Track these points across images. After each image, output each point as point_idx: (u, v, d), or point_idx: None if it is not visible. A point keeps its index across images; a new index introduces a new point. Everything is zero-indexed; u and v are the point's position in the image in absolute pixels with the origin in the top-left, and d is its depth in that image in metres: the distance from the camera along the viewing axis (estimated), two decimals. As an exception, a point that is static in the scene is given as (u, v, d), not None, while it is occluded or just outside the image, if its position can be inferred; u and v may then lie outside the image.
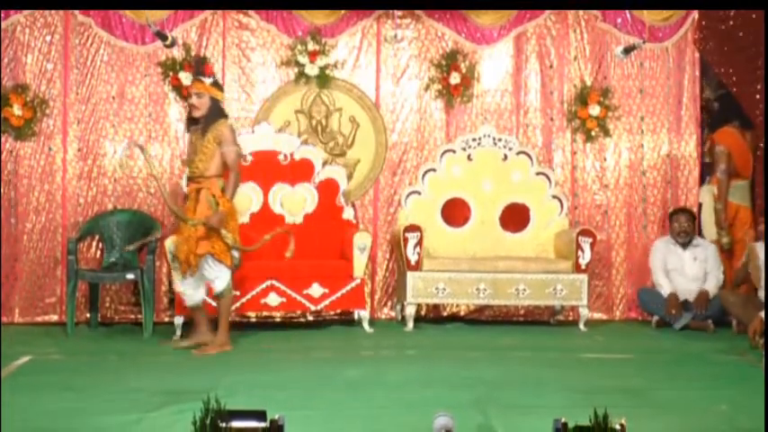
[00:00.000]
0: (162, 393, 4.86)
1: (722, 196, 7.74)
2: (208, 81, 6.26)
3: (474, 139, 7.82)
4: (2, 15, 7.39)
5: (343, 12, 7.79)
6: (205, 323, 6.45)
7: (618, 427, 3.21)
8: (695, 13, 7.99)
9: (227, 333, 6.34)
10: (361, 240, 7.10)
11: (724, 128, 7.88)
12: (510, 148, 7.83)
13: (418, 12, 7.85)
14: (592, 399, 4.50)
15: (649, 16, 7.91)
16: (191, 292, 6.35)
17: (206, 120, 6.24)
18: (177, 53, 7.61)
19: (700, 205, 7.99)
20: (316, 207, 7.57)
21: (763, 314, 6.33)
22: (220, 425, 3.19)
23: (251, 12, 7.76)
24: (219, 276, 6.23)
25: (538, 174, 7.82)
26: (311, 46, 7.72)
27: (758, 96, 7.67)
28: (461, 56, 7.90)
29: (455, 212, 7.86)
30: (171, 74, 7.61)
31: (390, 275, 7.94)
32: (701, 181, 8.08)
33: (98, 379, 5.27)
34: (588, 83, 8.00)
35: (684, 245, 7.63)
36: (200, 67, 6.53)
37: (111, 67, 7.65)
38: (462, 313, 7.94)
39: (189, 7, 7.58)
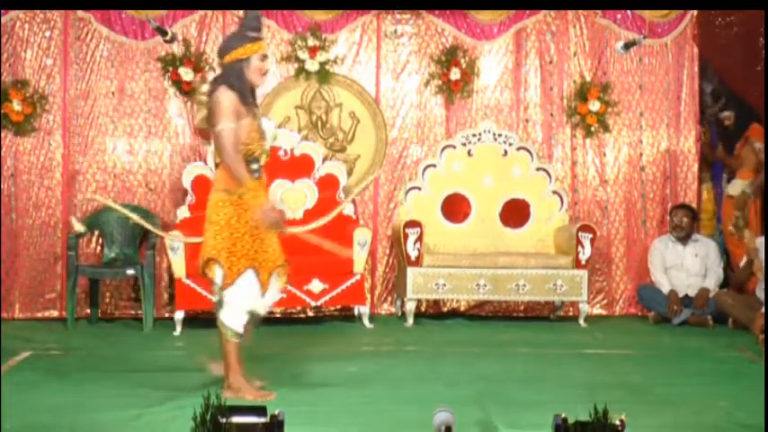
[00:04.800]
0: (162, 389, 4.87)
1: (758, 190, 7.74)
2: None
3: (474, 135, 7.82)
4: (1, 11, 7.38)
5: (342, 7, 7.80)
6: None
7: (618, 422, 3.22)
8: (694, 10, 7.99)
9: None
10: (362, 236, 7.10)
11: (754, 125, 7.87)
12: (510, 144, 7.83)
13: (418, 7, 7.87)
14: (592, 394, 4.53)
15: (649, 12, 7.92)
16: None
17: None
18: (177, 49, 7.60)
19: (699, 200, 8.02)
20: (316, 203, 7.55)
21: (763, 310, 6.33)
22: (221, 420, 3.19)
23: (250, 7, 7.76)
24: None
25: (538, 169, 7.82)
26: (311, 42, 7.71)
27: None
28: (461, 51, 7.89)
29: (455, 208, 7.86)
30: (171, 69, 7.61)
31: (390, 271, 7.94)
32: (700, 176, 8.10)
33: (98, 374, 5.28)
34: (588, 78, 7.99)
35: (684, 241, 7.65)
36: (257, 20, 4.76)
37: (111, 63, 7.64)
38: (462, 309, 7.93)
39: (186, 7, 7.57)
